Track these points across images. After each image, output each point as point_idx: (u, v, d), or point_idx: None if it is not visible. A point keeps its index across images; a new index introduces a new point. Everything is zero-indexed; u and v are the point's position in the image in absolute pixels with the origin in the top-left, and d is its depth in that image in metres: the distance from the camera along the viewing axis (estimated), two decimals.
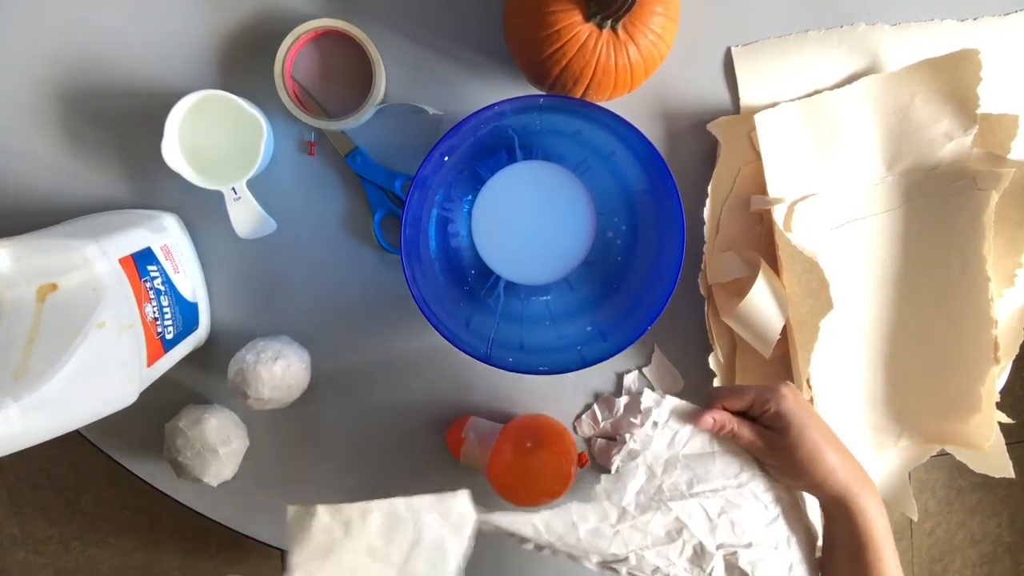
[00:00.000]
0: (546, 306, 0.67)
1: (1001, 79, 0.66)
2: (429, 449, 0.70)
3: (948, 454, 0.67)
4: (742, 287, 0.63)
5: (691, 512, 0.54)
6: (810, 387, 0.65)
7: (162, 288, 0.59)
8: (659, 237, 0.62)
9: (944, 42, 0.66)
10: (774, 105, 0.65)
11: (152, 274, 0.58)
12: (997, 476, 0.65)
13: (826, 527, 0.54)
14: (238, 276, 0.67)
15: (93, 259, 0.52)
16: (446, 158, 0.60)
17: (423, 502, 0.49)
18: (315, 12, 0.63)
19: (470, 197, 0.65)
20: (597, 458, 0.70)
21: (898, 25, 0.66)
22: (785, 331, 0.64)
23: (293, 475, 0.70)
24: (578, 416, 0.70)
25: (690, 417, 0.55)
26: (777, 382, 0.53)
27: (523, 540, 0.52)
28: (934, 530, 1.57)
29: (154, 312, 0.57)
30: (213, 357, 0.68)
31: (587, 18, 0.54)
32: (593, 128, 0.60)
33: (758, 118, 0.64)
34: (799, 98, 0.66)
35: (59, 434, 0.49)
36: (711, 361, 0.68)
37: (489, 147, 0.64)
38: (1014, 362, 0.67)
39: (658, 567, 0.52)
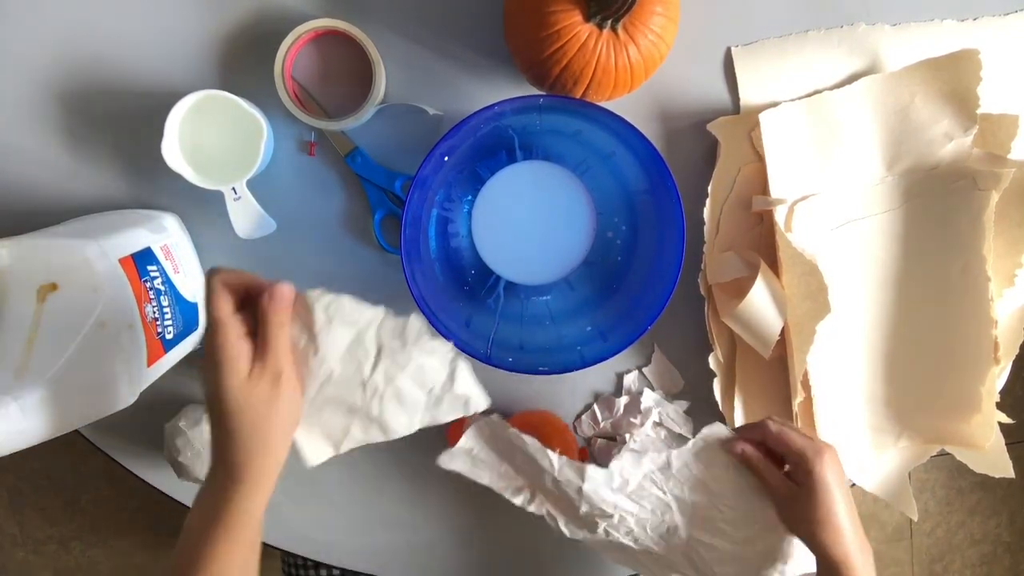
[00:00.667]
0: (546, 306, 0.67)
1: (1001, 79, 0.66)
2: (429, 448, 0.70)
3: (948, 454, 0.67)
4: (742, 287, 0.63)
5: (683, 505, 0.57)
6: (805, 388, 0.65)
7: (162, 288, 0.59)
8: (659, 237, 0.62)
9: (944, 42, 0.66)
10: (774, 105, 0.65)
11: (152, 274, 0.58)
12: (997, 476, 0.65)
13: None
14: None
15: (93, 259, 0.52)
16: (446, 158, 0.60)
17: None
18: (315, 12, 0.63)
19: (470, 197, 0.65)
20: (597, 458, 0.70)
21: (898, 25, 0.66)
22: (784, 332, 0.64)
23: (293, 475, 0.70)
24: (578, 416, 0.70)
25: (727, 443, 0.57)
26: (822, 444, 0.54)
27: (533, 466, 0.56)
28: (934, 530, 1.57)
29: (154, 312, 0.57)
30: None
31: (587, 18, 0.54)
32: (593, 128, 0.60)
33: (763, 117, 0.63)
34: (799, 98, 0.66)
35: (59, 434, 0.49)
36: (711, 361, 0.68)
37: (489, 147, 0.64)
38: (1014, 362, 0.67)
39: (632, 530, 0.57)
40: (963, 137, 0.64)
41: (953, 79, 0.63)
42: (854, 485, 0.70)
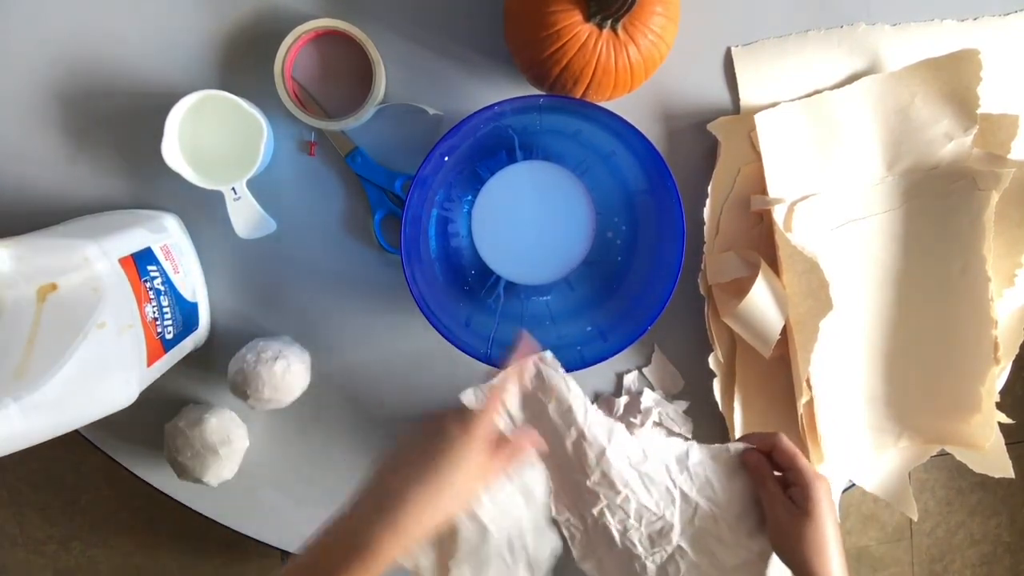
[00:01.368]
0: (546, 306, 0.67)
1: (1001, 79, 0.66)
2: None
3: (948, 454, 0.67)
4: (742, 287, 0.63)
5: (686, 506, 0.56)
6: (810, 387, 0.65)
7: (162, 288, 0.59)
8: (659, 237, 0.62)
9: (944, 42, 0.66)
10: (774, 105, 0.65)
11: (152, 274, 0.58)
12: (997, 476, 0.65)
13: None
14: (238, 276, 0.67)
15: (93, 259, 0.52)
16: (446, 158, 0.60)
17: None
18: (315, 12, 0.63)
19: (470, 197, 0.65)
20: None
21: (898, 25, 0.66)
22: (785, 331, 0.64)
23: (293, 475, 0.70)
24: None
25: (742, 452, 0.57)
26: (821, 474, 0.55)
27: (564, 418, 0.55)
28: (934, 530, 1.57)
29: (154, 312, 0.57)
30: (213, 357, 0.68)
31: (587, 18, 0.54)
32: (593, 128, 0.60)
33: (758, 118, 0.64)
34: (799, 98, 0.66)
35: (59, 434, 0.49)
36: (711, 361, 0.68)
37: (489, 147, 0.64)
38: (1014, 362, 0.67)
39: (628, 517, 0.56)
40: (963, 137, 0.64)
41: (953, 79, 0.63)
42: (854, 485, 0.70)
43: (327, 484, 0.70)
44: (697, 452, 0.57)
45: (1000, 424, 0.64)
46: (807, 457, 0.62)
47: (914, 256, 0.66)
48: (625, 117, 0.57)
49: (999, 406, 0.64)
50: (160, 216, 0.64)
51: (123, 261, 0.55)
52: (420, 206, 0.60)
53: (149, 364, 0.56)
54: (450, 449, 0.48)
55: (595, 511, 0.56)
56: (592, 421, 0.55)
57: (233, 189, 0.61)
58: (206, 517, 0.70)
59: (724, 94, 0.67)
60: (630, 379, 0.70)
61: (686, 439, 0.67)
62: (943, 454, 0.69)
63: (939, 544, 1.58)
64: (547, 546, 0.54)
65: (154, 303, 0.57)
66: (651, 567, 0.57)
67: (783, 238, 0.63)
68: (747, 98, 0.66)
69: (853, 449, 0.67)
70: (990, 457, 0.65)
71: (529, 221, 0.66)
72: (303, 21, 0.61)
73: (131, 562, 1.45)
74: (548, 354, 0.55)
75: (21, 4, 0.63)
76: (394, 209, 0.66)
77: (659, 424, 0.68)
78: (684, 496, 0.56)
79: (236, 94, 0.60)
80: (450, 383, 0.69)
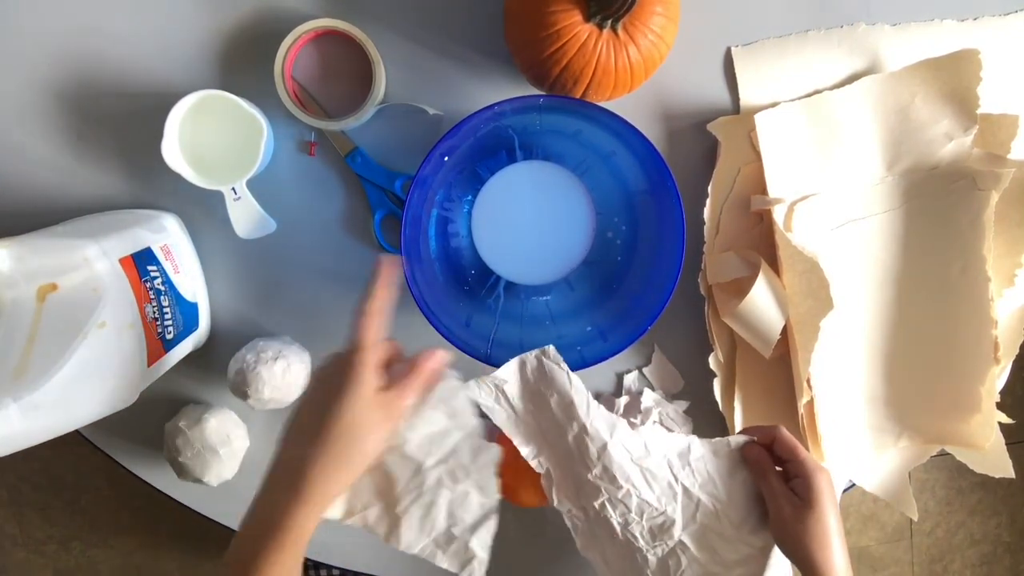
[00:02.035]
0: (546, 306, 0.67)
1: (1001, 79, 0.66)
2: None
3: (948, 454, 0.67)
4: (742, 287, 0.63)
5: (688, 501, 0.56)
6: (810, 387, 0.65)
7: (162, 288, 0.59)
8: (659, 237, 0.62)
9: (944, 42, 0.66)
10: (774, 105, 0.65)
11: (152, 274, 0.58)
12: (997, 476, 0.65)
13: None
14: (238, 276, 0.67)
15: (93, 259, 0.52)
16: (446, 158, 0.60)
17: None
18: (315, 12, 0.63)
19: (470, 197, 0.65)
20: None
21: (898, 25, 0.66)
22: (785, 331, 0.64)
23: None
24: None
25: (742, 446, 0.57)
26: (822, 465, 0.54)
27: (566, 412, 0.54)
28: (934, 530, 1.57)
29: (154, 312, 0.57)
30: (213, 357, 0.68)
31: (587, 18, 0.54)
32: (593, 128, 0.60)
33: (758, 118, 0.64)
34: (799, 98, 0.66)
35: (59, 434, 0.49)
36: (711, 361, 0.68)
37: (489, 147, 0.64)
38: (1014, 362, 0.67)
39: (628, 511, 0.56)
40: (963, 137, 0.64)
41: (953, 79, 0.63)
42: (854, 485, 0.70)
43: None
44: (698, 447, 0.56)
45: (1000, 424, 0.64)
46: None
47: (914, 256, 0.66)
48: (625, 117, 0.57)
49: (999, 406, 0.64)
50: (160, 216, 0.64)
51: (123, 261, 0.55)
52: (420, 206, 0.60)
53: (149, 364, 0.56)
54: (339, 394, 0.46)
55: (596, 504, 0.56)
56: (594, 415, 0.55)
57: (233, 189, 0.61)
58: (206, 517, 0.70)
59: (724, 94, 0.67)
60: (630, 379, 0.70)
61: None
62: (943, 454, 0.69)
63: (939, 544, 1.58)
64: (489, 458, 0.52)
65: (154, 303, 0.57)
66: (652, 559, 0.57)
67: (783, 238, 0.63)
68: (747, 98, 0.66)
69: (853, 449, 0.67)
70: (990, 457, 0.65)
71: (529, 221, 0.66)
72: (303, 21, 0.61)
73: (131, 562, 1.46)
74: (551, 348, 0.55)
75: (22, 4, 0.63)
76: (394, 209, 0.66)
77: (659, 424, 0.68)
78: (686, 492, 0.56)
79: (236, 94, 0.60)
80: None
